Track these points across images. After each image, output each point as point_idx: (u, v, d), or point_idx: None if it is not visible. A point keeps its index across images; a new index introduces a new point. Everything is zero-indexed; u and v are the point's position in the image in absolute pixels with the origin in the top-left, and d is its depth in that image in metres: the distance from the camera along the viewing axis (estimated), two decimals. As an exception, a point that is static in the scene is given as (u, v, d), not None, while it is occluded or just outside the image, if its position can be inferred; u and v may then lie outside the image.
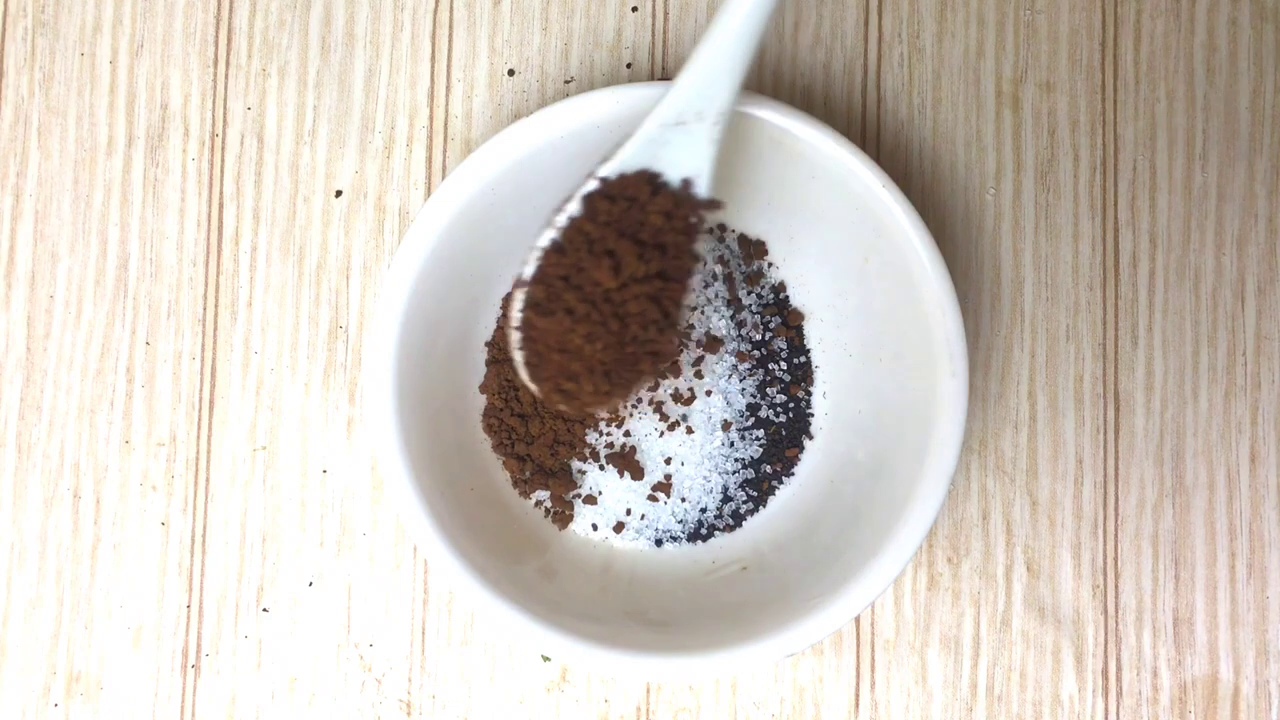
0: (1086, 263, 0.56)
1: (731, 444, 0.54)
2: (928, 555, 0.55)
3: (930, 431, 0.49)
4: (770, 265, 0.55)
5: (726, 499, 0.54)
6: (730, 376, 0.54)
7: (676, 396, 0.54)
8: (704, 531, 0.54)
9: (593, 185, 0.47)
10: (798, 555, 0.53)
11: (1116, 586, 0.55)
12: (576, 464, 0.54)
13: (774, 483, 0.54)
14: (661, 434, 0.54)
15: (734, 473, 0.54)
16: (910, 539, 0.48)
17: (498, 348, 0.54)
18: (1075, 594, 0.55)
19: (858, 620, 0.55)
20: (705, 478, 0.54)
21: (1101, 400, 0.56)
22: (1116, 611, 0.55)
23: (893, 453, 0.51)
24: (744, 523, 0.54)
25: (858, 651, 0.55)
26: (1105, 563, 0.55)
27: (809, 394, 0.55)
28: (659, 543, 0.55)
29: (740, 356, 0.54)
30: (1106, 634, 0.55)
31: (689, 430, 0.54)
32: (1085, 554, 0.55)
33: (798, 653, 0.49)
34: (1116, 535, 0.55)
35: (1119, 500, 0.55)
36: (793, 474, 0.54)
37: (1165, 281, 0.56)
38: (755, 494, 0.54)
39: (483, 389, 0.54)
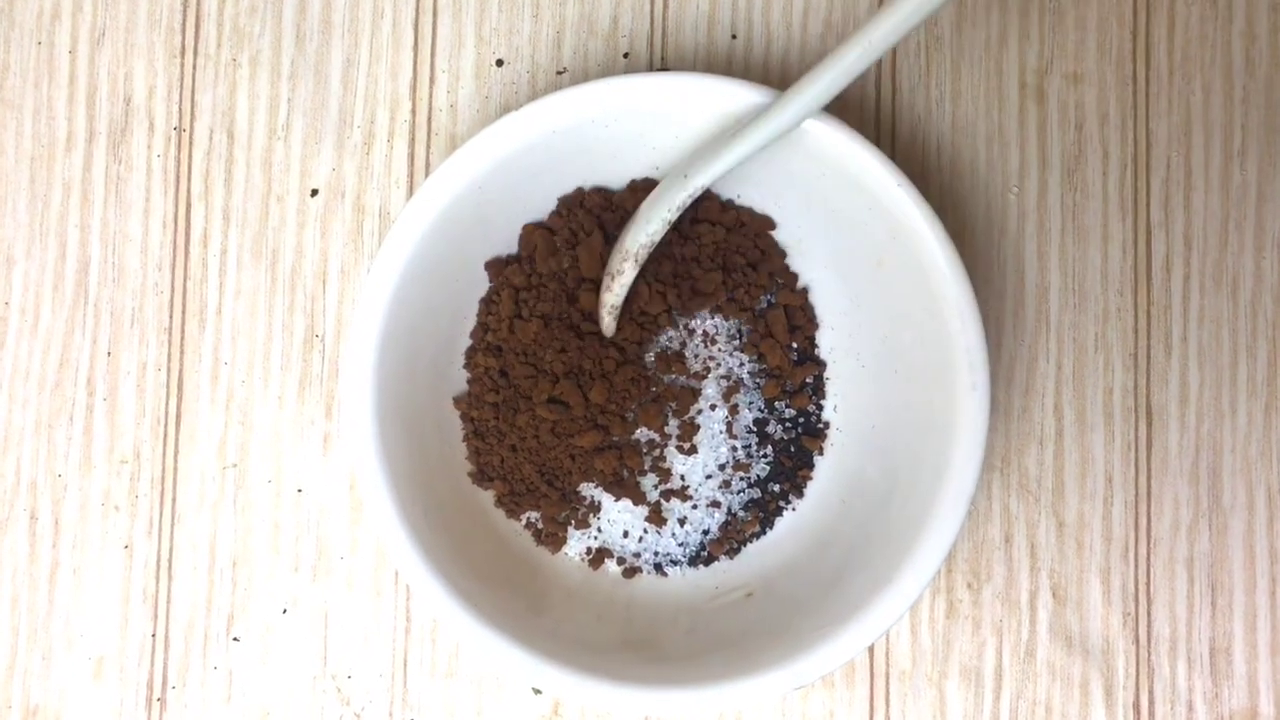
0: (1116, 267, 0.56)
1: (737, 463, 0.55)
2: (946, 580, 0.56)
3: (949, 448, 0.49)
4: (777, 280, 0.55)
5: (731, 521, 0.55)
6: (736, 390, 0.55)
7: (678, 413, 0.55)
8: (706, 555, 0.55)
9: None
10: (807, 580, 0.53)
11: (1149, 614, 0.55)
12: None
13: (781, 503, 0.55)
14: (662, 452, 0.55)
15: (739, 493, 0.55)
16: (928, 563, 0.48)
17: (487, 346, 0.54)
18: (1104, 622, 0.55)
19: (871, 650, 0.55)
20: (709, 498, 0.55)
21: (1132, 414, 0.56)
22: (1149, 641, 0.55)
23: (909, 470, 0.51)
24: (748, 546, 0.55)
25: (871, 684, 0.55)
26: (1136, 588, 0.55)
27: (819, 407, 0.55)
28: (659, 567, 0.55)
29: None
30: (1138, 665, 0.55)
31: (692, 449, 0.55)
32: (1115, 579, 0.55)
33: (807, 685, 0.49)
34: (1149, 559, 0.56)
35: (1151, 522, 0.56)
36: (802, 494, 0.55)
37: (1201, 287, 0.56)
38: (762, 515, 0.55)
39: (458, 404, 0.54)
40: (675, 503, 0.55)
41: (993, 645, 0.55)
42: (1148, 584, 0.55)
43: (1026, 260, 0.56)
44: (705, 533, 0.55)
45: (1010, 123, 0.56)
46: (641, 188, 0.53)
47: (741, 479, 0.55)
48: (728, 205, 0.54)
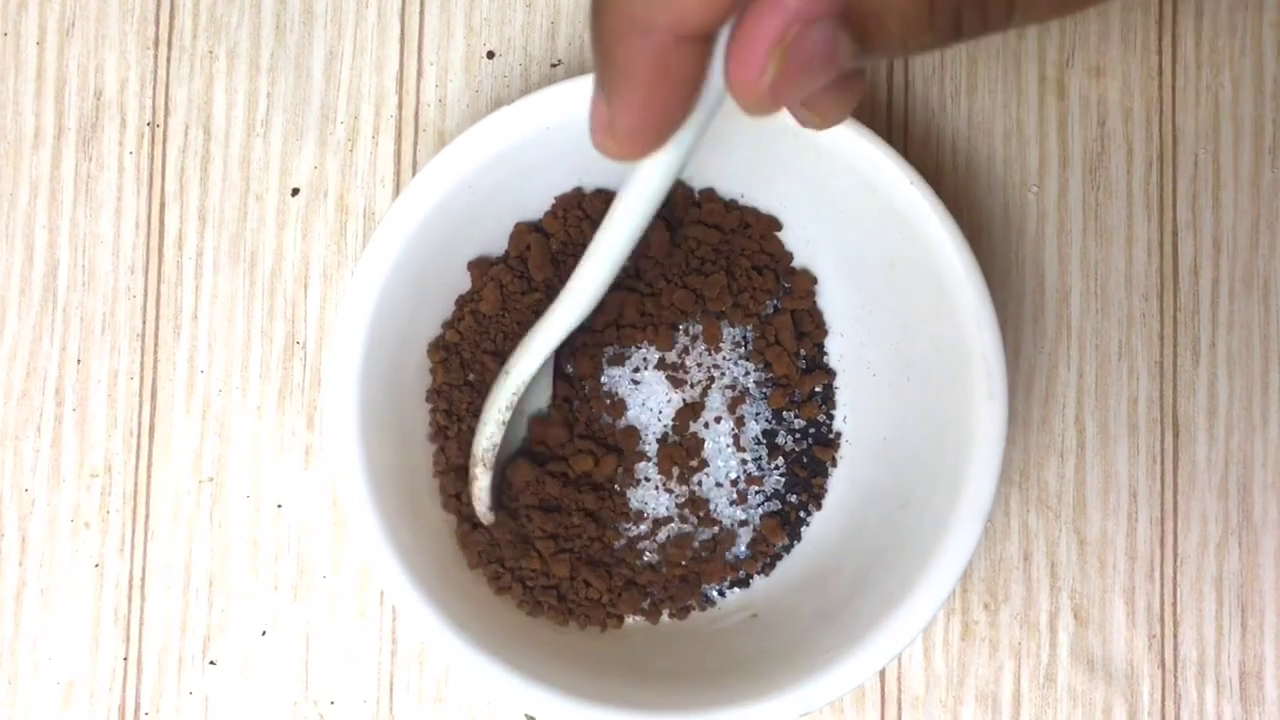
0: (1141, 270, 0.56)
1: (749, 476, 0.54)
2: (962, 601, 0.56)
3: (964, 461, 0.49)
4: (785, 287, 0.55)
5: (757, 537, 0.55)
6: (742, 401, 0.54)
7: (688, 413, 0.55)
8: (744, 577, 0.55)
9: None
10: (814, 601, 0.53)
11: (1175, 636, 0.55)
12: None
13: (802, 513, 0.55)
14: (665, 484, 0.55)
15: (758, 506, 0.55)
16: (942, 582, 0.48)
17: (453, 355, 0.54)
18: (1129, 645, 0.55)
19: (882, 674, 0.55)
20: (731, 517, 0.55)
21: (1158, 426, 0.56)
22: (1175, 664, 0.55)
23: (922, 485, 0.51)
24: (782, 560, 0.55)
25: (882, 710, 0.55)
26: (1162, 609, 0.55)
27: (830, 417, 0.55)
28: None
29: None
30: (1164, 690, 0.55)
31: (701, 463, 0.54)
32: (1140, 600, 0.55)
33: (814, 711, 0.49)
34: (1175, 578, 0.55)
35: (1178, 539, 0.56)
36: (821, 504, 0.55)
37: (1230, 291, 0.56)
38: (786, 526, 0.55)
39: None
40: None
41: (1010, 669, 0.55)
42: (1174, 605, 0.55)
43: (1046, 263, 0.56)
44: (737, 556, 0.55)
45: (1029, 118, 0.57)
46: None
47: (757, 492, 0.54)
48: (731, 205, 0.53)
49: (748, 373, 0.54)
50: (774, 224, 0.54)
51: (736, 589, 0.54)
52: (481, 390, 0.53)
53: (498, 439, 0.51)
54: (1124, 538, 0.55)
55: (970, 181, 0.56)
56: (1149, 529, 0.56)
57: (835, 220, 0.53)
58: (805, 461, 0.55)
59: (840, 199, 0.51)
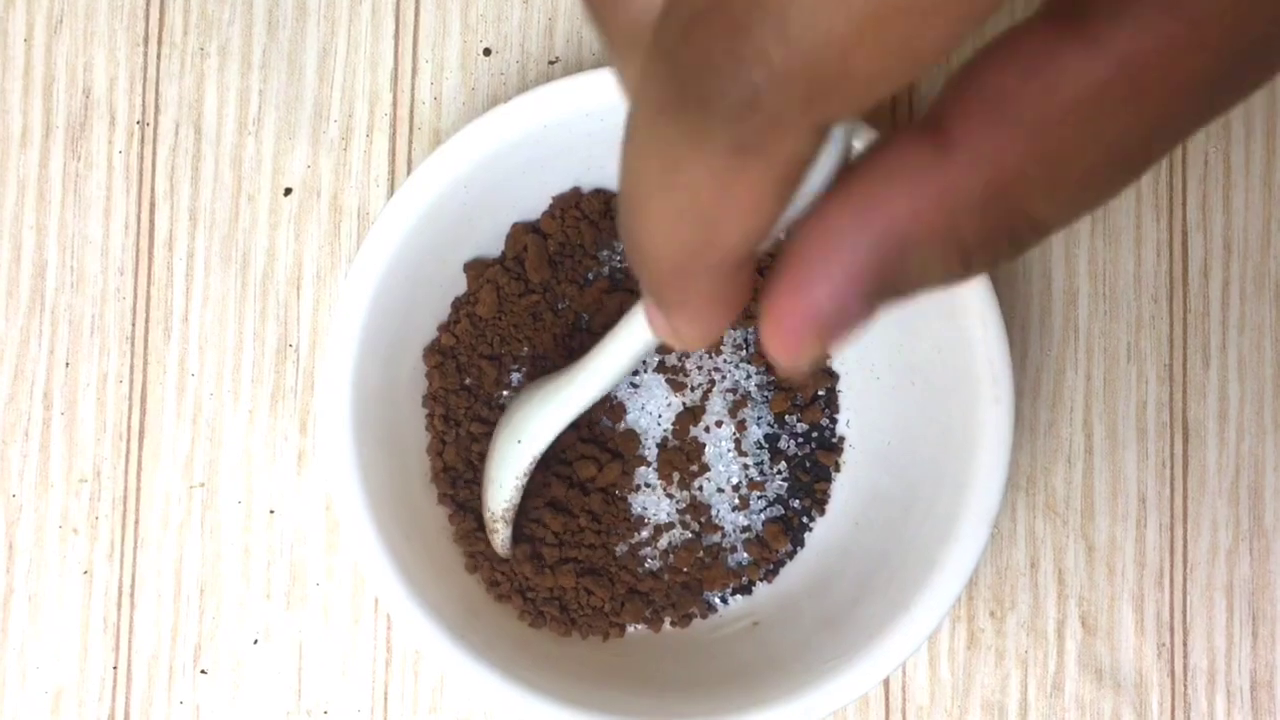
0: (1150, 271, 0.56)
1: (750, 481, 0.54)
2: (967, 608, 0.55)
3: (970, 466, 0.49)
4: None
5: (758, 542, 0.54)
6: (744, 405, 0.54)
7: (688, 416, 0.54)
8: (746, 584, 0.55)
9: None
10: (817, 609, 0.52)
11: (1185, 644, 0.55)
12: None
13: (805, 519, 0.54)
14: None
15: (760, 512, 0.55)
16: (947, 590, 0.48)
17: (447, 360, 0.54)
18: (1138, 653, 0.55)
19: (886, 683, 0.55)
20: (735, 524, 0.55)
21: (1168, 430, 0.56)
22: (1185, 673, 0.55)
23: (927, 490, 0.51)
24: (786, 567, 0.55)
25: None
26: (1172, 617, 0.55)
27: (833, 421, 0.55)
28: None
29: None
30: (1174, 699, 0.55)
31: (702, 468, 0.54)
32: (1149, 607, 0.55)
33: (817, 722, 0.49)
34: (1185, 586, 0.55)
35: (1188, 545, 0.55)
36: (824, 510, 0.55)
37: (1241, 293, 0.56)
38: (789, 532, 0.54)
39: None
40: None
41: (1017, 678, 0.55)
42: (1184, 612, 0.55)
43: (1053, 264, 0.56)
44: (740, 563, 0.54)
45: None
46: None
47: (759, 497, 0.54)
48: None
49: (749, 376, 0.54)
50: None
51: (739, 596, 0.54)
52: (479, 395, 0.53)
53: (517, 500, 0.51)
54: (1133, 544, 0.55)
55: (976, 181, 0.56)
56: (1158, 535, 0.55)
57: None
58: (808, 466, 0.54)
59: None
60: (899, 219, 0.26)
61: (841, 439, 0.55)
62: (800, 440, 0.55)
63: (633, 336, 0.44)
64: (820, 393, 0.54)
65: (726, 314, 0.30)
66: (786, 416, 0.54)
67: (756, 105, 0.24)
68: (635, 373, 0.54)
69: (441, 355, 0.52)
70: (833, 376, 0.55)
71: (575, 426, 0.53)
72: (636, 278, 0.31)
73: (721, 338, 0.31)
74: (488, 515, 0.52)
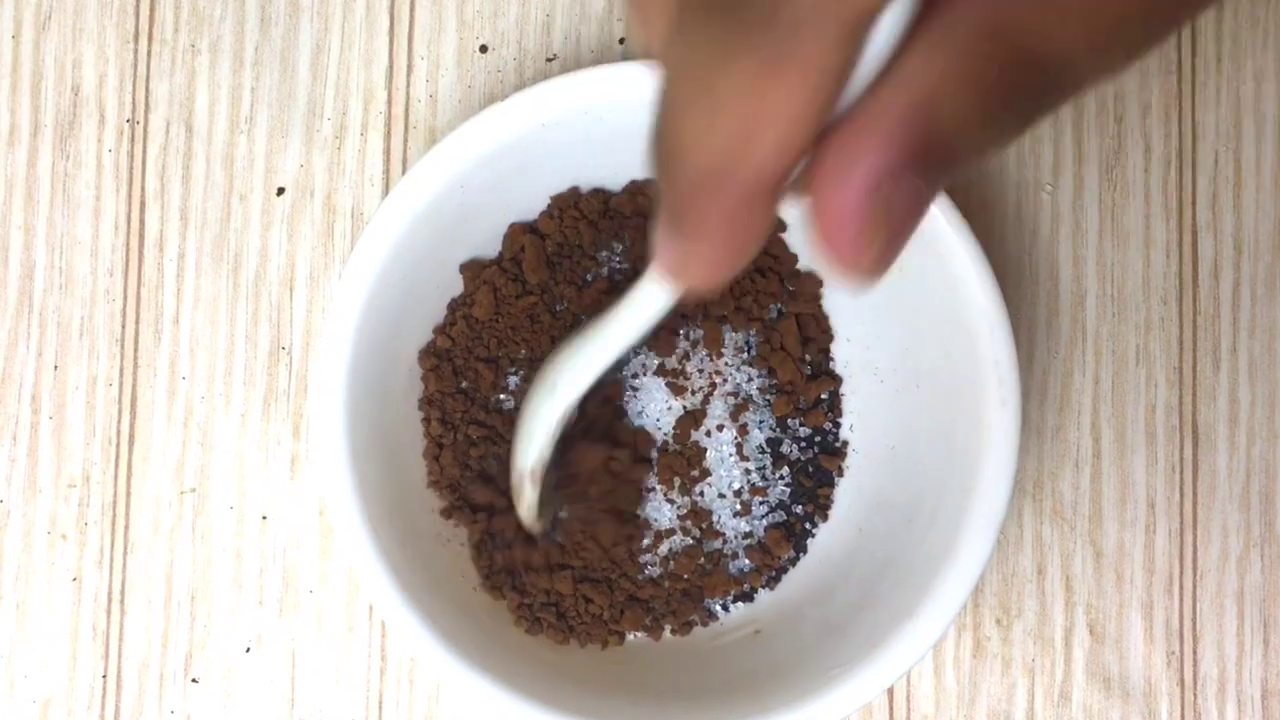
0: (1160, 273, 0.56)
1: (752, 486, 0.54)
2: (973, 616, 0.55)
3: (976, 470, 0.49)
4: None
5: (759, 548, 0.54)
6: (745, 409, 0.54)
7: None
8: (748, 591, 0.55)
9: None
10: (819, 616, 0.52)
11: (1195, 653, 0.55)
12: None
13: (807, 524, 0.54)
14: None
15: (761, 518, 0.54)
16: (952, 597, 0.48)
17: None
18: (1147, 662, 0.55)
19: (890, 692, 0.55)
20: (735, 529, 0.54)
21: (1177, 434, 0.56)
22: (1195, 682, 0.55)
23: (931, 495, 0.51)
24: (787, 573, 0.55)
25: (891, 729, 0.55)
26: (1182, 625, 0.55)
27: (836, 425, 0.55)
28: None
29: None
30: (1183, 708, 0.55)
31: (704, 473, 0.54)
32: (1158, 614, 0.55)
33: (820, 732, 0.49)
34: (1195, 593, 0.55)
35: (1198, 552, 0.55)
36: (827, 515, 0.55)
37: (1252, 295, 0.56)
38: (792, 538, 0.54)
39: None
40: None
41: (1024, 687, 0.55)
42: (1194, 620, 0.55)
43: (1061, 265, 0.56)
44: (741, 570, 0.54)
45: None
46: (641, 190, 0.52)
47: (761, 503, 0.54)
48: None
49: (751, 379, 0.54)
50: (778, 224, 0.54)
51: (740, 603, 0.54)
52: (475, 398, 0.53)
53: (547, 456, 0.50)
54: (1141, 550, 0.55)
55: (981, 180, 0.56)
56: (1167, 541, 0.55)
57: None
58: (811, 471, 0.54)
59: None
60: (926, 74, 0.27)
61: (845, 443, 0.55)
62: (803, 445, 0.54)
63: (644, 298, 0.43)
64: (823, 396, 0.54)
65: (743, 245, 0.30)
66: (789, 420, 0.54)
67: (783, 7, 0.25)
68: (634, 375, 0.54)
69: (437, 358, 0.52)
70: (835, 379, 0.54)
71: (587, 431, 0.53)
72: (660, 197, 0.31)
73: (731, 275, 0.31)
74: (515, 476, 0.51)
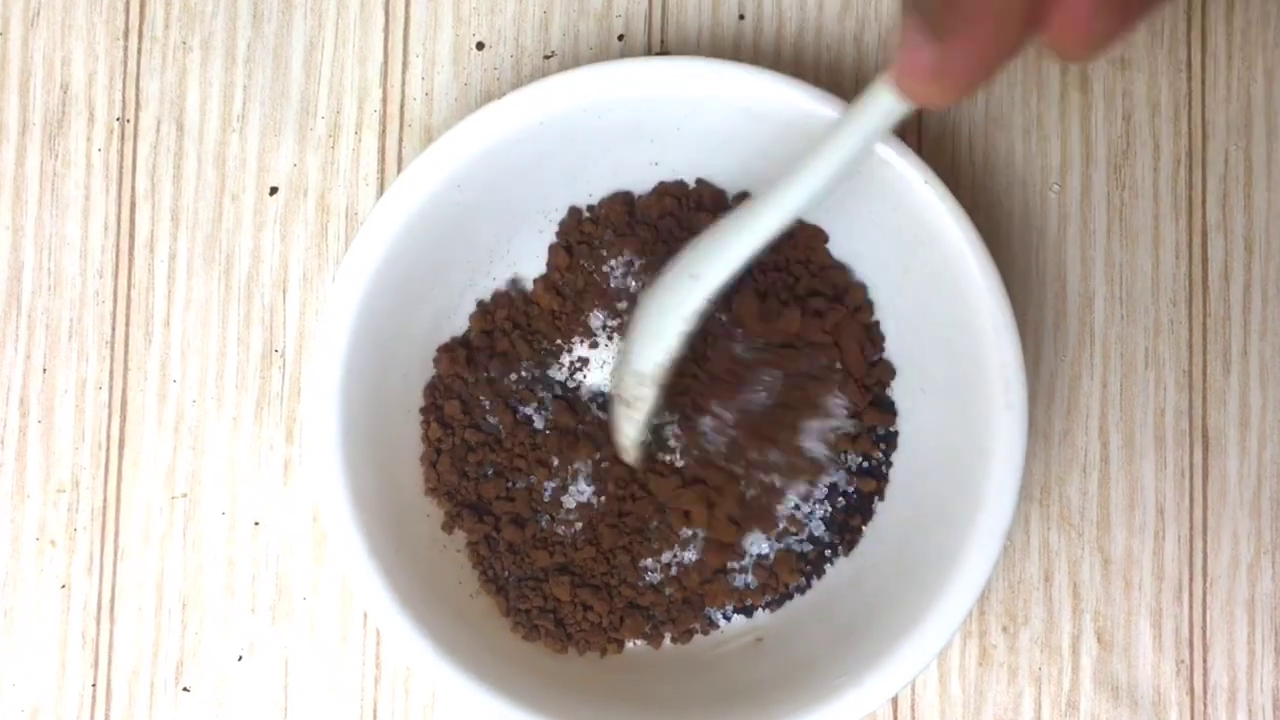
0: (1169, 274, 0.56)
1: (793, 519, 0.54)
2: (979, 623, 0.55)
3: (982, 475, 0.49)
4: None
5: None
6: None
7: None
8: (748, 606, 0.54)
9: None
10: (823, 623, 0.52)
11: (1205, 661, 0.55)
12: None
13: (828, 551, 0.54)
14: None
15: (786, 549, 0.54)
16: (958, 604, 0.48)
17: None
18: (1156, 670, 0.55)
19: (895, 702, 0.55)
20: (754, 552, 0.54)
21: (1187, 438, 0.56)
22: (1205, 691, 0.55)
23: (937, 501, 0.51)
24: (793, 600, 0.54)
25: (895, 739, 0.55)
26: (1191, 633, 0.55)
27: (887, 454, 0.54)
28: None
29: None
30: (1193, 718, 0.55)
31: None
32: (1167, 622, 0.55)
33: (823, 742, 0.48)
34: (1205, 600, 0.55)
35: (1208, 558, 0.55)
36: (852, 550, 0.54)
37: (1263, 296, 0.56)
38: (808, 566, 0.54)
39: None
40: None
41: (1030, 696, 0.55)
42: (1204, 628, 0.55)
43: (1068, 266, 0.56)
44: (747, 584, 0.54)
45: (1050, 113, 0.56)
46: (668, 191, 0.53)
47: (795, 535, 0.54)
48: None
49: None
50: (820, 235, 0.53)
51: (740, 615, 0.54)
52: (474, 405, 0.53)
53: (676, 355, 0.49)
54: (1150, 557, 0.55)
55: (988, 180, 0.56)
56: (1177, 548, 0.55)
57: (844, 222, 0.52)
58: (846, 503, 0.54)
59: (849, 200, 0.51)
60: None
61: (888, 471, 0.54)
62: (849, 473, 0.54)
63: (863, 119, 0.42)
64: (880, 431, 0.54)
65: (1009, 42, 0.32)
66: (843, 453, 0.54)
67: None
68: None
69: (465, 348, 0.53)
70: (892, 414, 0.54)
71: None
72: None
73: (982, 83, 0.31)
74: (626, 385, 0.50)
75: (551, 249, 0.53)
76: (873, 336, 0.53)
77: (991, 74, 0.33)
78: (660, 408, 0.51)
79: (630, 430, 0.51)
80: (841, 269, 0.53)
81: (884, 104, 0.41)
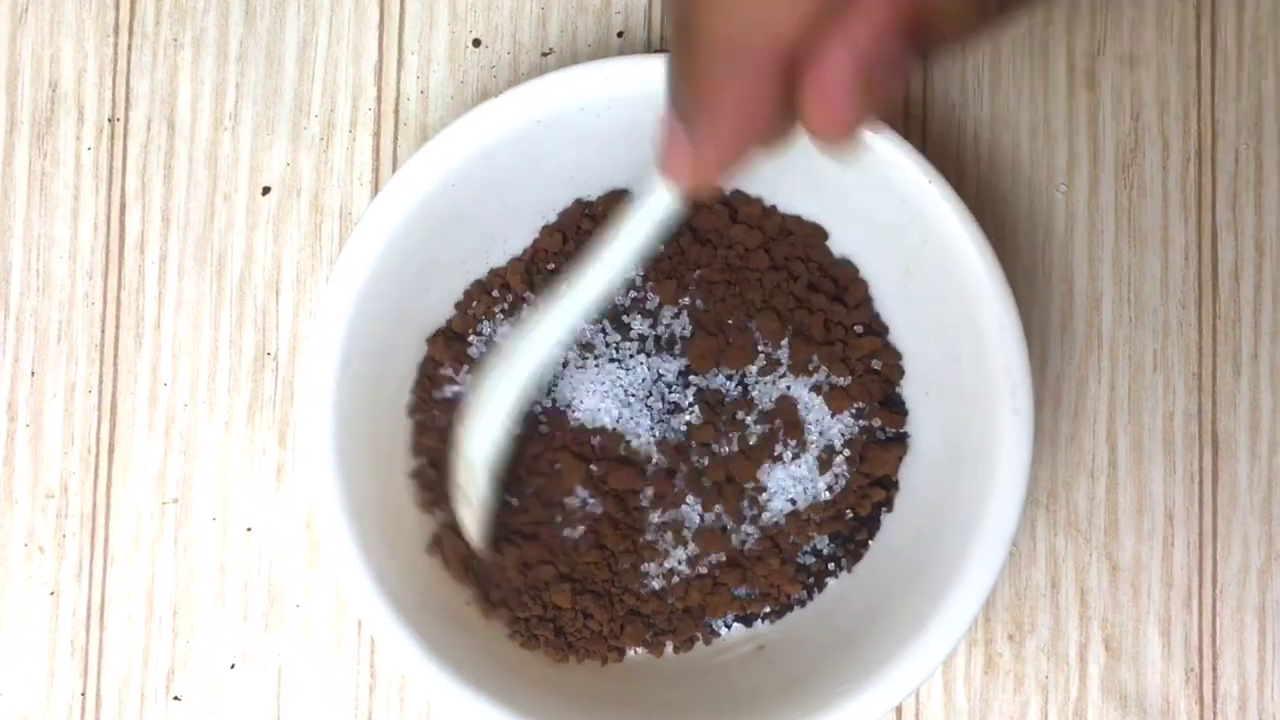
0: (1178, 275, 0.56)
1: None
2: (984, 631, 0.55)
3: (987, 480, 0.49)
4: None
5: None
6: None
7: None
8: (747, 615, 0.54)
9: None
10: (825, 631, 0.52)
11: (1215, 670, 0.55)
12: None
13: (831, 564, 0.53)
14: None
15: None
16: (963, 611, 0.48)
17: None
18: (1164, 679, 0.55)
19: (899, 711, 0.55)
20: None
21: (1196, 443, 0.56)
22: (1215, 700, 0.55)
23: (942, 506, 0.51)
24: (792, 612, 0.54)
25: (899, 749, 0.55)
26: (1201, 641, 0.55)
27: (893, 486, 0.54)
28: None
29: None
30: (1203, 727, 0.55)
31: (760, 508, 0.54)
32: (1176, 630, 0.55)
33: (825, 752, 0.48)
34: (1215, 607, 0.55)
35: (1218, 565, 0.55)
36: (855, 565, 0.53)
37: (1274, 298, 0.56)
38: (810, 579, 0.53)
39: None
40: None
41: (1037, 705, 0.55)
42: (1213, 635, 0.55)
43: (1075, 267, 0.56)
44: (749, 594, 0.54)
45: (1057, 111, 0.56)
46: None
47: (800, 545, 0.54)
48: (770, 210, 0.53)
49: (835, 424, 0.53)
50: (819, 233, 0.53)
51: (740, 624, 0.54)
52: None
53: (502, 446, 0.50)
54: (1159, 563, 0.55)
55: (993, 179, 0.56)
56: (1186, 554, 0.55)
57: (847, 222, 0.52)
58: (854, 516, 0.53)
59: (851, 199, 0.51)
60: None
61: (897, 483, 0.54)
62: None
63: (646, 210, 0.43)
64: (890, 433, 0.53)
65: (755, 131, 0.34)
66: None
67: None
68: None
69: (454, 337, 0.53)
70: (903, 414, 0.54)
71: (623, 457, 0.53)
72: (672, 86, 0.35)
73: (733, 171, 0.34)
74: (463, 469, 0.50)
75: (545, 230, 0.53)
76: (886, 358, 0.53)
77: (741, 159, 0.35)
78: (495, 492, 0.51)
79: (467, 515, 0.51)
80: (846, 265, 0.53)
81: (661, 198, 0.42)
